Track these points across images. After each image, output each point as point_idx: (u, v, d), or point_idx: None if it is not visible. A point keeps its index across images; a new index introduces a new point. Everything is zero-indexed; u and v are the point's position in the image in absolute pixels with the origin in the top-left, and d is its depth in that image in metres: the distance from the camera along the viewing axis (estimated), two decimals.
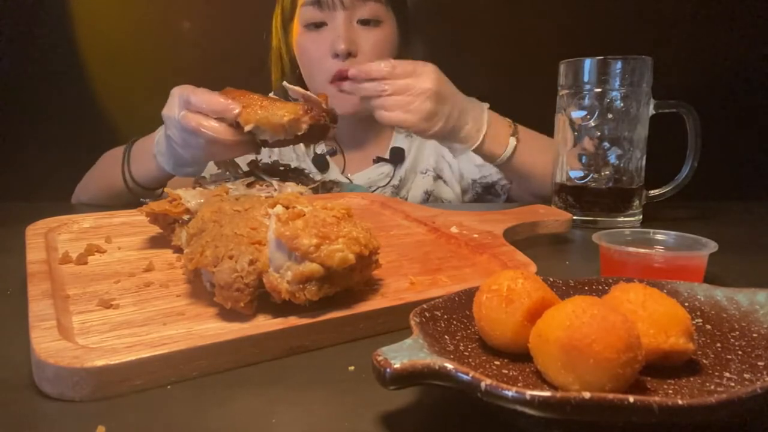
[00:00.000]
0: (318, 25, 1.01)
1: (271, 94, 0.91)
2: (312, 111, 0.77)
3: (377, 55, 1.01)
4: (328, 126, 0.80)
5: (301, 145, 1.10)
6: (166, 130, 0.81)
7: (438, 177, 1.12)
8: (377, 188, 1.08)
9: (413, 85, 0.82)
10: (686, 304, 0.35)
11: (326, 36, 1.00)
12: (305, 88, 1.08)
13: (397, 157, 1.11)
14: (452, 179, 1.12)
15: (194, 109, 0.76)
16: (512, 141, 0.90)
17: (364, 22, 1.00)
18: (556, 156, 0.82)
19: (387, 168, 1.10)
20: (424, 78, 0.83)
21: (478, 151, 0.90)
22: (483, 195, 1.14)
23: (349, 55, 0.98)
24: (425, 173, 1.11)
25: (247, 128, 0.75)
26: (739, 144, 1.38)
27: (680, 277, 0.43)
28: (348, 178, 1.09)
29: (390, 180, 1.09)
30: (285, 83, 0.82)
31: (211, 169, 0.91)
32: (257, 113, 0.75)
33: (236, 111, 0.75)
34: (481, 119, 0.89)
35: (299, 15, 1.03)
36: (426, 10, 1.15)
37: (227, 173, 0.86)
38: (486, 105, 0.92)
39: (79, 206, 1.01)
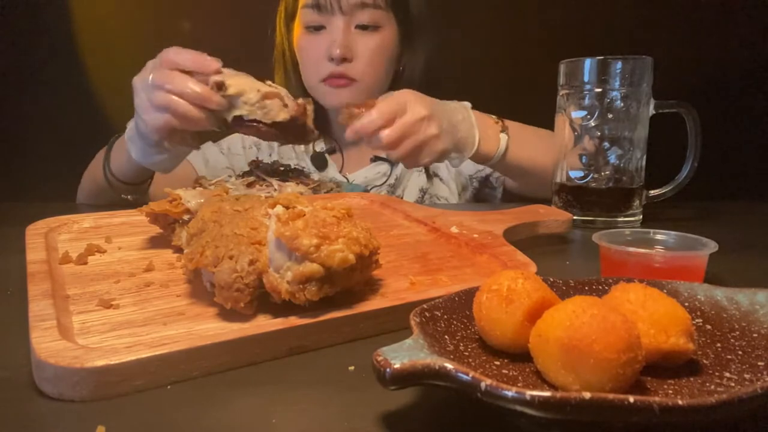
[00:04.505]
0: (317, 28, 1.02)
1: None
2: (296, 102, 0.73)
3: (374, 59, 1.01)
4: (307, 130, 0.75)
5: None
6: (135, 100, 0.75)
7: (434, 174, 1.12)
8: (373, 187, 1.08)
9: (409, 122, 0.76)
10: (686, 304, 0.35)
11: (324, 39, 1.01)
12: (303, 86, 1.09)
13: None
14: (448, 177, 1.12)
15: (169, 65, 0.70)
16: (503, 137, 0.86)
17: (363, 27, 1.01)
18: (556, 156, 0.82)
19: (384, 167, 1.10)
20: (412, 107, 0.77)
21: (473, 156, 0.85)
22: (481, 189, 1.13)
23: (345, 60, 1.00)
24: (419, 170, 1.11)
25: (217, 79, 0.69)
26: (739, 144, 1.38)
27: (680, 277, 0.43)
28: (345, 177, 1.09)
29: (386, 179, 1.09)
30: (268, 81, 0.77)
31: (209, 171, 0.90)
32: (238, 78, 0.70)
33: (215, 66, 0.69)
34: (470, 120, 0.84)
35: (300, 16, 1.04)
36: (428, 13, 1.15)
37: (185, 144, 0.77)
38: (468, 104, 0.86)
39: (80, 206, 1.01)
